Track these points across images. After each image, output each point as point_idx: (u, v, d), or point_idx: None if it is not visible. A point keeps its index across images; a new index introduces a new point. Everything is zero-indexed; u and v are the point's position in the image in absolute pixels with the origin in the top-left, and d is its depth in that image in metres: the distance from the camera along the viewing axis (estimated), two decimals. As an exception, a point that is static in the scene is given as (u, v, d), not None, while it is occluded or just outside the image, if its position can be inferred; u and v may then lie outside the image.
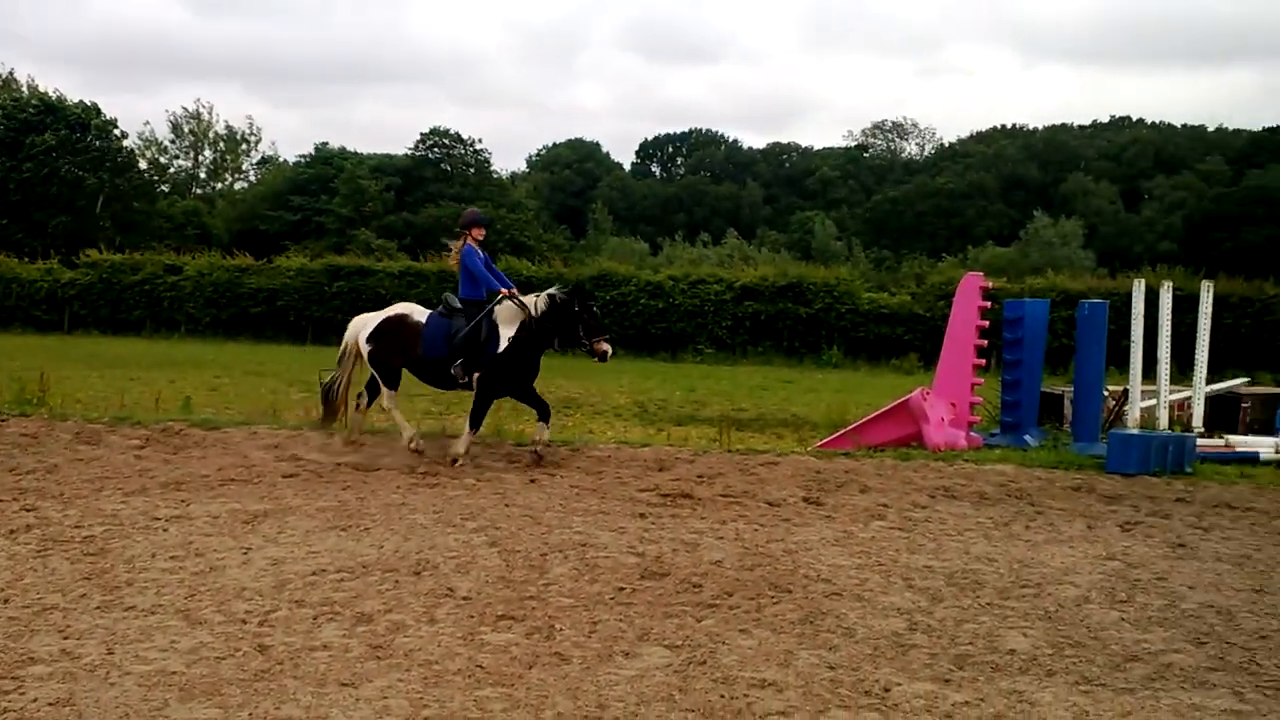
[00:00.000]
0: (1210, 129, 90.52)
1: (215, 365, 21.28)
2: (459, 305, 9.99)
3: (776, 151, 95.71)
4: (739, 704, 4.45)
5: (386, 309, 10.46)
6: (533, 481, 9.15)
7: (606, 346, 9.81)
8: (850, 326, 27.93)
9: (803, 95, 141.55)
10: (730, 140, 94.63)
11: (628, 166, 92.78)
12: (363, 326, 10.21)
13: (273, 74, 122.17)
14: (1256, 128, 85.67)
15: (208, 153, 66.50)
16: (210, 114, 65.24)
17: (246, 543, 6.85)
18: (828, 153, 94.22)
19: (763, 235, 70.68)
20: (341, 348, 10.46)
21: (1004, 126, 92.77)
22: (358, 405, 10.47)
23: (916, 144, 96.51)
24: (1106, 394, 12.40)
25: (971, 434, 11.73)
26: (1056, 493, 9.28)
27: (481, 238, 10.23)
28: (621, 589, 6.03)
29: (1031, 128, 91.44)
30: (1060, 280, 28.23)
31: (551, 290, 10.04)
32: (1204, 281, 13.04)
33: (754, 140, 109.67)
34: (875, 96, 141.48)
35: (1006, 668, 4.98)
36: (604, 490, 8.90)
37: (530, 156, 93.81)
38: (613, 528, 7.54)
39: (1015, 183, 78.32)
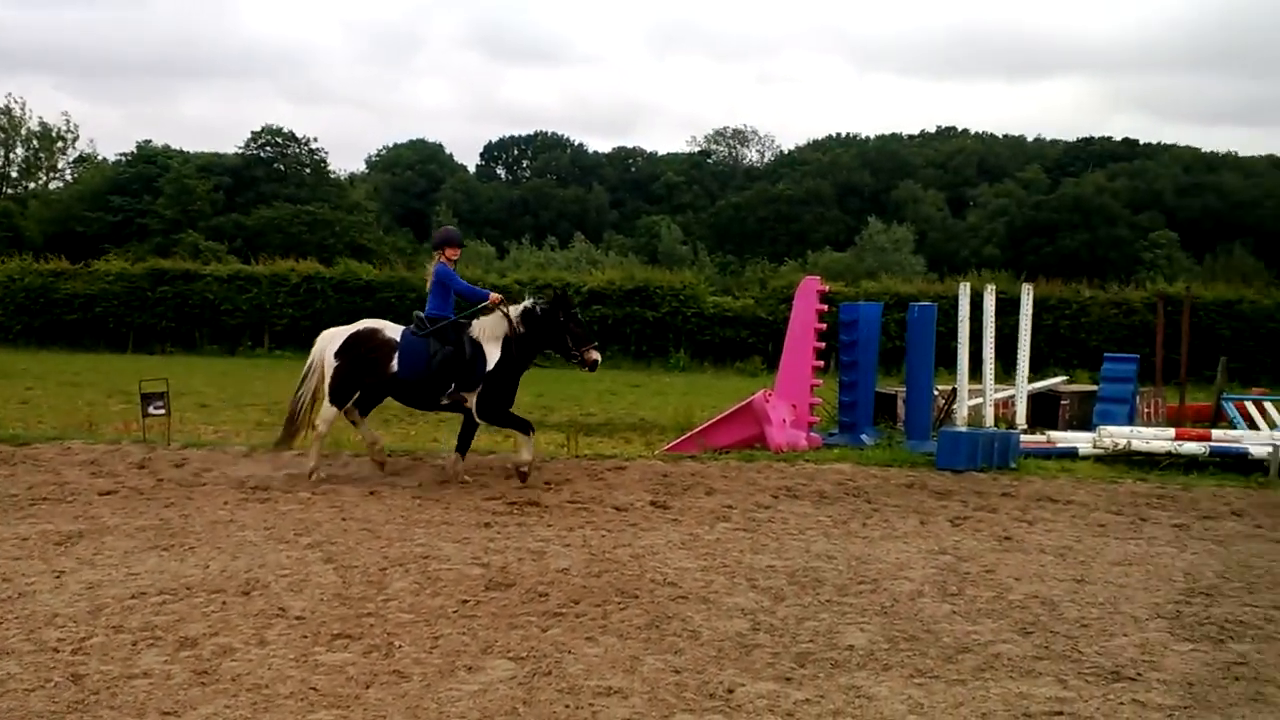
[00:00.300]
0: (1029, 139, 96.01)
1: (27, 376, 19.89)
2: (430, 324, 9.42)
3: (622, 156, 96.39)
4: (584, 713, 4.39)
5: (355, 324, 9.76)
6: (372, 493, 8.88)
7: (596, 355, 9.48)
8: (696, 330, 28.29)
9: (645, 100, 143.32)
10: (576, 144, 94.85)
11: (472, 168, 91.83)
12: (330, 340, 9.54)
13: (90, 67, 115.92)
14: (1071, 138, 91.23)
15: (20, 151, 62.30)
16: (23, 109, 61.15)
17: (59, 566, 6.40)
18: (672, 158, 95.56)
19: (610, 239, 71.04)
20: (307, 363, 9.68)
21: (839, 135, 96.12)
22: (353, 423, 9.78)
23: (757, 151, 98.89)
24: (936, 393, 12.91)
25: (811, 434, 12.01)
26: (891, 490, 9.58)
27: (456, 258, 9.84)
28: (465, 601, 5.88)
29: (864, 136, 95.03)
30: (893, 284, 29.33)
31: (527, 303, 9.60)
32: (1025, 285, 13.73)
33: (599, 144, 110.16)
34: (716, 102, 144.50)
35: (845, 663, 5.07)
36: (448, 500, 8.71)
37: (370, 157, 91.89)
38: (456, 538, 7.37)
39: (850, 190, 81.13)
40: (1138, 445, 11.10)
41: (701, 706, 4.51)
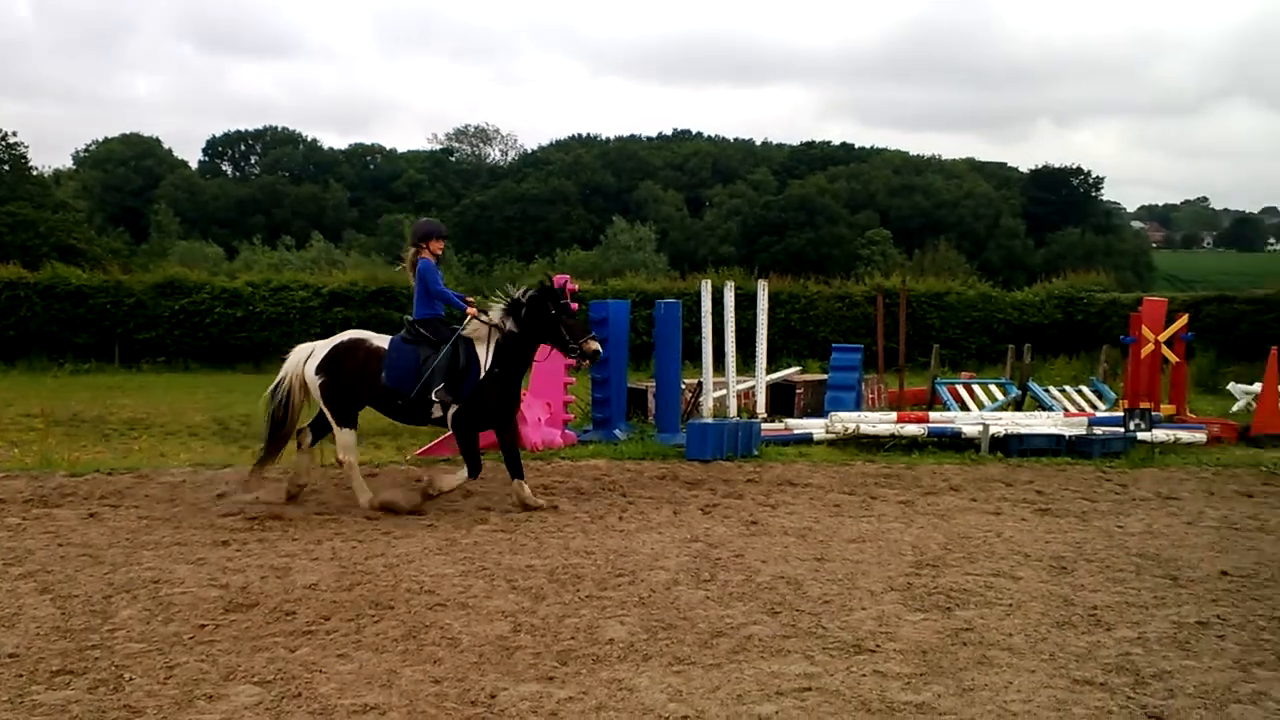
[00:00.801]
0: (758, 143, 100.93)
1: None
2: (420, 328, 8.70)
3: (360, 153, 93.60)
4: (340, 736, 4.18)
5: (335, 337, 8.92)
6: (92, 515, 8.13)
7: (596, 345, 8.80)
8: (443, 330, 27.85)
9: (382, 96, 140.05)
10: (309, 139, 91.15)
11: (194, 164, 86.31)
12: (307, 355, 8.68)
13: None
14: (795, 142, 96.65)
15: None
16: None
17: None
18: (413, 155, 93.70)
19: (351, 239, 68.77)
20: (275, 382, 8.78)
21: (580, 135, 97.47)
22: (299, 445, 8.89)
23: (500, 149, 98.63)
24: (683, 387, 13.30)
25: (566, 431, 12.07)
26: (645, 482, 9.78)
27: (440, 251, 9.12)
28: (202, 626, 5.47)
29: (605, 137, 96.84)
30: (638, 282, 29.98)
31: (515, 295, 8.73)
32: (760, 281, 14.41)
33: (334, 140, 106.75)
34: (455, 100, 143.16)
35: (607, 657, 5.10)
36: (179, 519, 8.10)
37: (77, 152, 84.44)
38: (191, 559, 6.86)
39: (594, 189, 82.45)
40: (865, 429, 11.88)
41: (463, 715, 4.40)
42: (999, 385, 15.45)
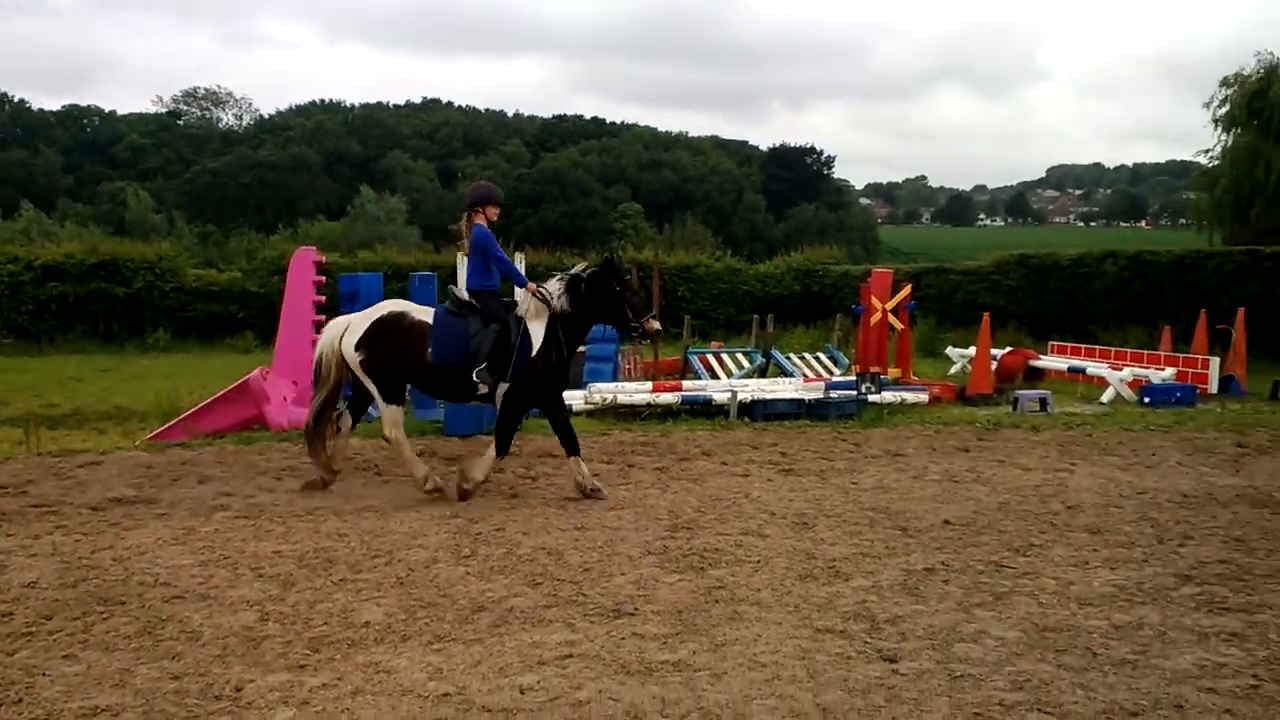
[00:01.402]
0: (509, 114, 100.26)
1: None
2: (470, 300, 8.14)
3: (75, 115, 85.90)
4: (66, 746, 3.84)
5: (372, 308, 8.32)
6: None
7: (657, 324, 8.39)
8: (178, 306, 26.03)
9: (100, 55, 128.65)
10: (16, 100, 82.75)
11: (-125, 124, 76.57)
12: (345, 331, 8.11)
13: None
14: (547, 115, 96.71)
15: None
16: None
17: None
18: (136, 119, 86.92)
19: (66, 208, 63.04)
20: (315, 361, 8.36)
21: (322, 101, 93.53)
22: (337, 428, 8.33)
23: (234, 114, 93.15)
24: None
25: (313, 410, 11.57)
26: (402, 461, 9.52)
27: (495, 217, 8.39)
28: (-103, 639, 4.89)
29: (349, 104, 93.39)
30: (390, 254, 29.17)
31: (574, 271, 8.24)
32: (518, 253, 14.32)
33: (45, 101, 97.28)
34: (181, 62, 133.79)
35: (362, 641, 4.95)
36: None
37: None
38: (-120, 564, 6.11)
39: (338, 158, 79.39)
40: (623, 399, 12.10)
41: (206, 710, 4.16)
42: (745, 354, 16.13)
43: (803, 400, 12.09)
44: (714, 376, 14.45)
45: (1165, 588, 5.89)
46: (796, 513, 7.63)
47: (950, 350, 18.39)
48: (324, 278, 12.28)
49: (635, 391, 12.33)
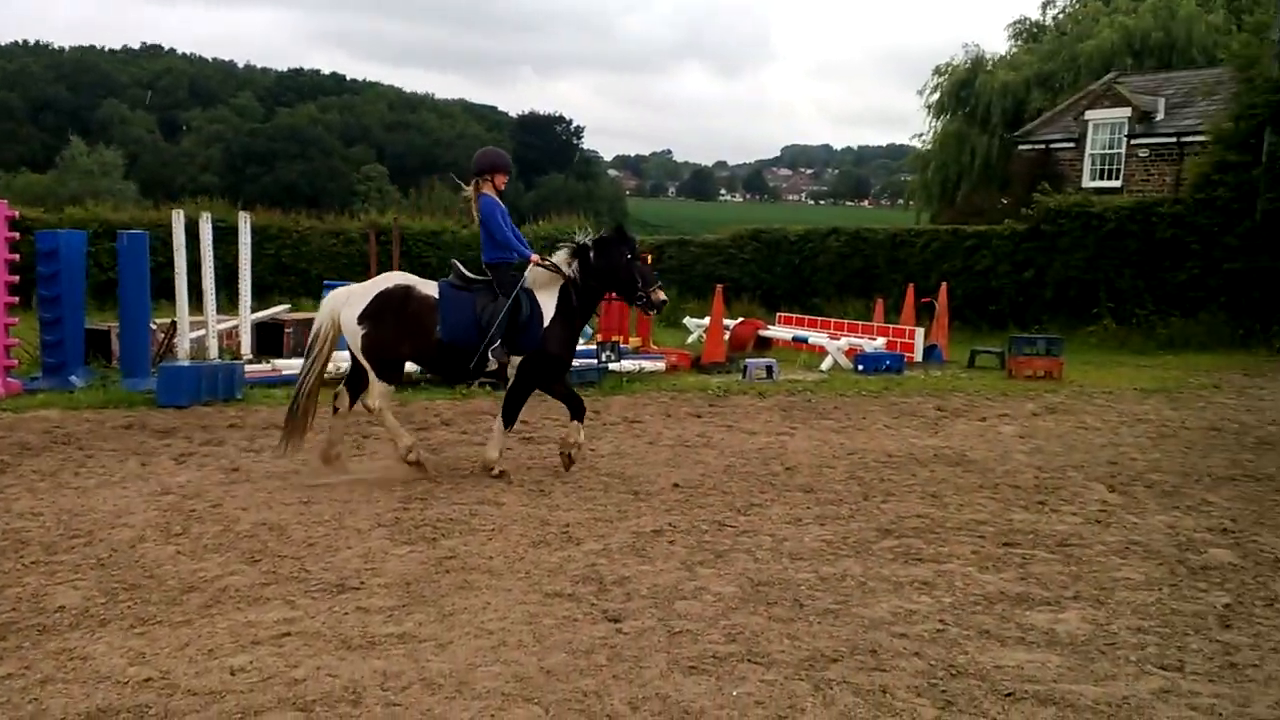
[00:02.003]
0: (240, 65, 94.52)
1: None
2: (474, 275, 7.83)
3: None
4: None
5: (375, 279, 7.91)
6: None
7: (663, 295, 8.26)
8: None
9: None
10: None
11: None
12: (346, 302, 7.59)
13: None
14: (282, 68, 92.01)
15: None
16: None
17: None
18: None
19: None
20: (313, 333, 7.73)
21: (26, 43, 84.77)
22: (335, 408, 7.84)
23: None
24: (155, 327, 12.18)
25: (9, 379, 10.53)
26: (108, 434, 8.85)
27: (503, 187, 8.04)
28: None
29: (58, 46, 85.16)
30: (102, 211, 26.75)
31: (581, 240, 7.94)
32: (242, 213, 13.52)
33: None
34: None
35: (56, 627, 4.57)
36: None
37: None
38: None
39: (45, 105, 72.33)
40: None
41: None
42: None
43: (543, 368, 12.14)
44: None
45: (868, 541, 6.35)
46: (534, 480, 7.68)
47: (687, 320, 19.03)
48: (18, 235, 11.14)
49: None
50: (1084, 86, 31.32)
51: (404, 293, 7.62)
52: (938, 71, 37.72)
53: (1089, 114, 29.38)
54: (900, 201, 53.92)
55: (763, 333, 16.89)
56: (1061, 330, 18.55)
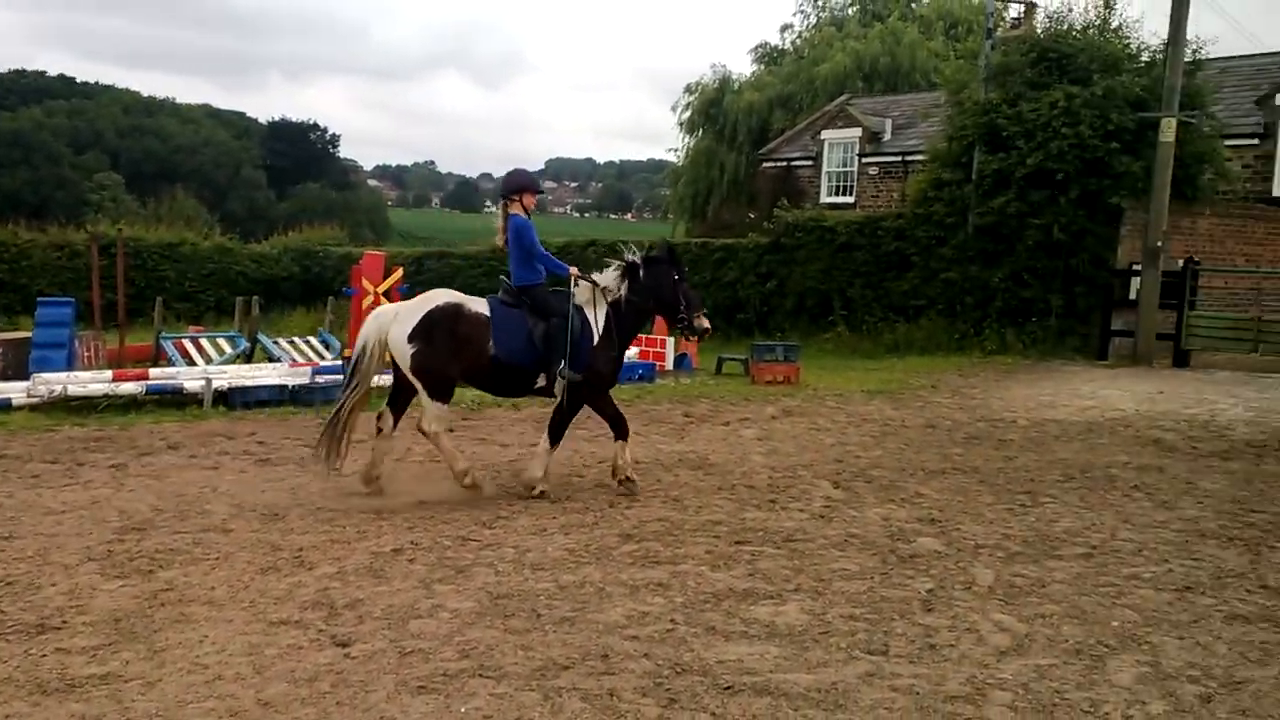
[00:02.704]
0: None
1: None
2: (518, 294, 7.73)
3: None
4: None
5: (423, 296, 7.69)
6: None
7: (707, 323, 8.16)
8: None
9: None
10: None
11: None
12: (394, 321, 7.46)
13: None
14: (2, 69, 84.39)
15: None
16: None
17: None
18: None
19: None
20: (357, 353, 7.59)
21: None
22: (379, 429, 7.70)
23: None
24: None
25: None
26: None
27: (533, 206, 8.00)
28: None
29: None
30: None
31: (630, 258, 7.93)
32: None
33: None
34: None
35: None
36: None
37: None
38: None
39: None
40: (75, 390, 10.88)
41: None
42: (228, 338, 15.25)
43: (286, 386, 11.69)
44: (191, 363, 13.49)
45: (609, 547, 6.47)
46: (268, 504, 7.36)
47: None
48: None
49: (91, 381, 11.14)
50: (820, 108, 33.27)
51: (455, 310, 7.50)
52: (689, 90, 39.08)
53: (825, 134, 31.23)
54: (660, 215, 55.45)
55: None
56: (801, 337, 19.62)
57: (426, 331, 7.39)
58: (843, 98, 32.95)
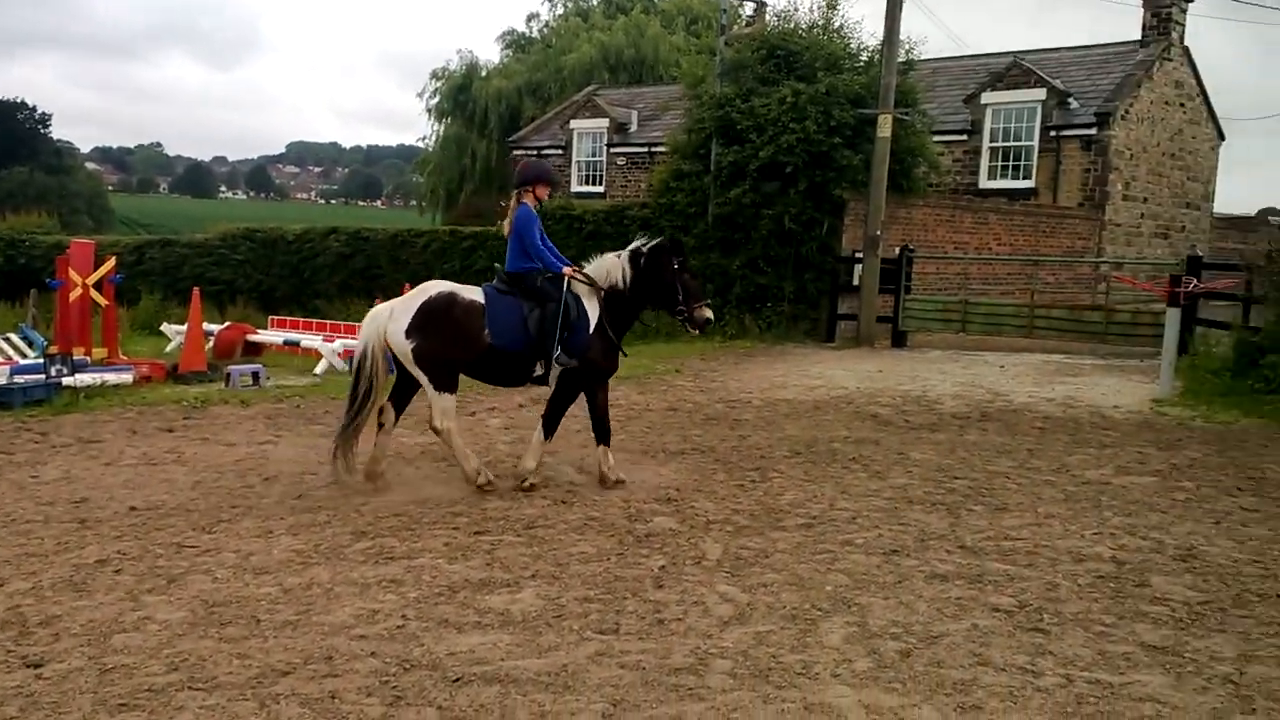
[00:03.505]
0: None
1: None
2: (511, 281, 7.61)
3: None
4: None
5: (417, 289, 7.63)
6: None
7: (708, 313, 7.76)
8: None
9: None
10: None
11: None
12: (389, 319, 7.43)
13: None
14: None
15: None
16: None
17: None
18: None
19: None
20: (358, 358, 7.55)
21: None
22: (381, 424, 7.63)
23: None
24: None
25: None
26: None
27: (546, 197, 7.88)
28: None
29: None
30: None
31: (635, 245, 7.80)
32: None
33: None
34: None
35: None
36: None
37: None
38: None
39: None
40: None
41: None
42: (-88, 337, 13.63)
43: (-19, 388, 10.56)
44: None
45: (341, 546, 6.25)
46: (-50, 518, 6.63)
47: (166, 327, 17.55)
48: None
49: None
50: (569, 97, 33.55)
51: (448, 299, 7.48)
52: (436, 76, 38.42)
53: (573, 123, 31.52)
54: (412, 203, 54.18)
55: (252, 338, 16.04)
56: (552, 325, 19.71)
57: (423, 324, 7.39)
58: (590, 88, 33.34)
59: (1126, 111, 24.29)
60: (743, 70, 19.51)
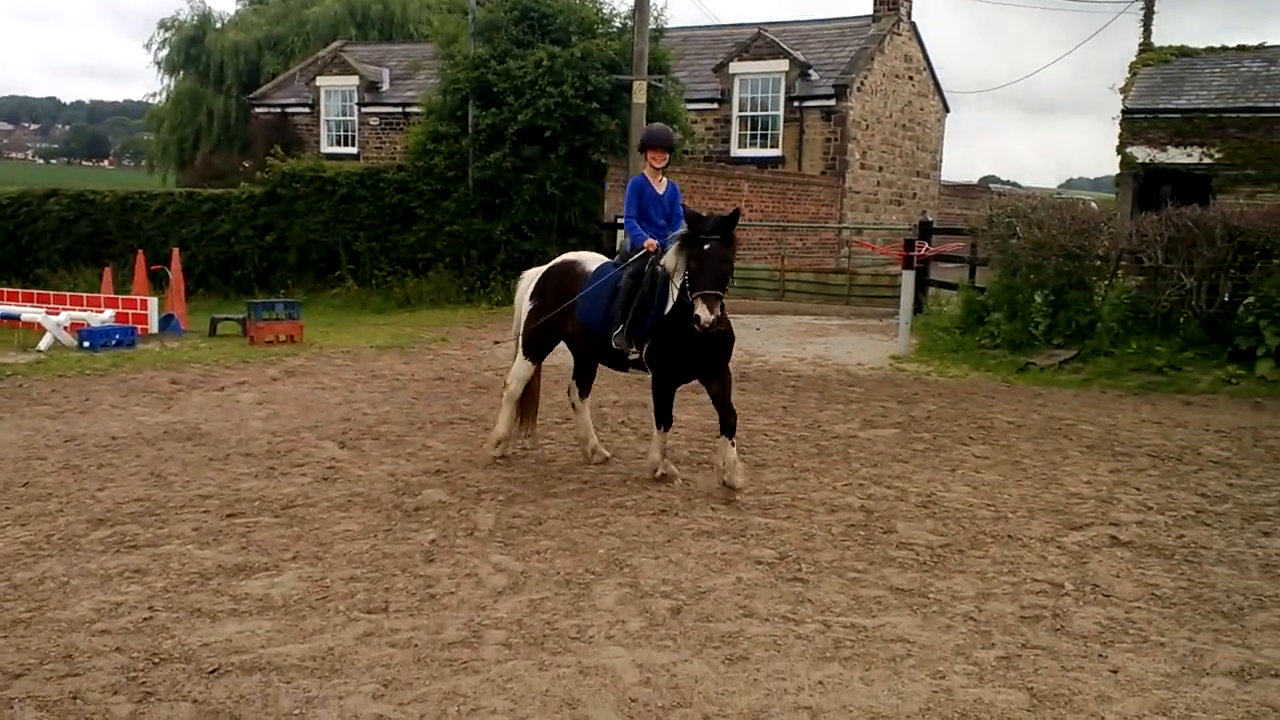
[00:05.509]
0: None
1: None
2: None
3: None
4: None
5: (559, 257, 7.44)
6: None
7: (704, 311, 6.10)
8: None
9: None
10: None
11: None
12: (528, 281, 7.48)
13: None
14: None
15: None
16: None
17: None
18: None
19: None
20: (515, 318, 7.55)
21: None
22: (573, 405, 7.61)
23: None
24: None
25: None
26: None
27: (662, 164, 7.05)
28: None
29: None
30: None
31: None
32: None
33: None
34: None
35: None
36: None
37: None
38: None
39: None
40: None
41: None
42: None
43: None
44: None
45: (76, 535, 5.76)
46: None
47: None
48: None
49: None
50: (314, 53, 32.01)
51: (568, 267, 7.22)
52: (164, 26, 35.66)
53: (320, 80, 30.16)
54: (144, 162, 50.12)
55: (-39, 311, 14.46)
56: (308, 293, 18.88)
57: (541, 290, 7.30)
58: (337, 43, 31.98)
59: (862, 84, 25.75)
60: (496, 31, 19.22)
